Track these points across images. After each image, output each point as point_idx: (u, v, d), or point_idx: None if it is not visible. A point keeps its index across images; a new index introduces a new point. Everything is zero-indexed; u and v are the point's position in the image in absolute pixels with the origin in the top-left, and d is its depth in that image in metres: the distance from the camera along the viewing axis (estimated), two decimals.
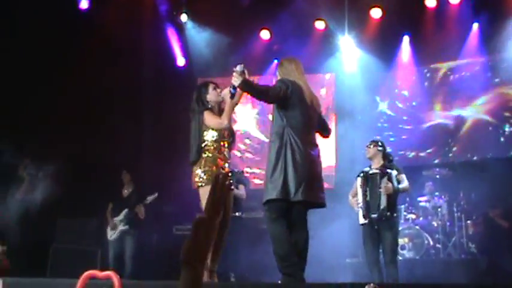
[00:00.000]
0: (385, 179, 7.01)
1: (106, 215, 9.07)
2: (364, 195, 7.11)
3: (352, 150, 11.08)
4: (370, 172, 7.19)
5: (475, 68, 11.23)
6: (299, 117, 5.03)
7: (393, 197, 7.05)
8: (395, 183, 7.04)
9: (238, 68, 5.03)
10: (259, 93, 5.12)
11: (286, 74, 5.27)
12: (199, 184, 5.49)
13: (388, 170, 7.10)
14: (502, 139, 10.89)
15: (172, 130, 10.09)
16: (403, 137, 11.48)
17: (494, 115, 10.94)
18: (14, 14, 9.62)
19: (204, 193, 5.46)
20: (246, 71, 5.04)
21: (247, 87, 5.03)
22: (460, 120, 11.28)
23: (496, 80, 10.98)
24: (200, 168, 5.52)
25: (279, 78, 5.30)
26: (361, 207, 7.13)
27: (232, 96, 5.30)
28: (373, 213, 6.97)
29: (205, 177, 5.47)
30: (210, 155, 5.55)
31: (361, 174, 7.26)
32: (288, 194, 4.87)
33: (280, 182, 4.87)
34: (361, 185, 7.20)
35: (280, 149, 4.96)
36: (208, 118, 5.56)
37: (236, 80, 5.00)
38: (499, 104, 10.94)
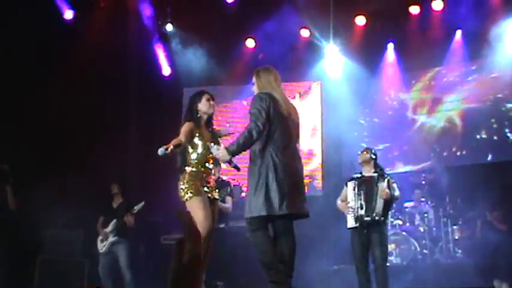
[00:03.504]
0: (383, 184, 7.03)
1: (97, 228, 9.02)
2: (359, 197, 7.11)
3: (338, 158, 11.13)
4: (367, 175, 7.20)
5: (458, 74, 11.32)
6: (278, 130, 4.99)
7: (389, 203, 7.08)
8: (392, 190, 7.07)
9: (214, 149, 5.03)
10: (247, 143, 4.94)
11: (263, 85, 5.19)
12: (184, 199, 5.50)
13: (386, 175, 7.14)
14: (488, 146, 10.97)
15: (158, 140, 10.06)
16: (387, 144, 11.55)
17: (478, 121, 11.02)
18: None
19: (193, 205, 5.47)
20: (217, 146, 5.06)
21: (236, 152, 4.95)
22: (444, 126, 11.37)
23: (480, 86, 11.06)
24: (183, 183, 5.53)
25: (255, 91, 5.25)
26: (351, 210, 7.12)
27: (237, 168, 5.15)
28: (367, 216, 6.98)
29: (189, 191, 5.48)
30: (194, 169, 5.57)
31: (355, 178, 7.26)
32: (271, 209, 4.86)
33: (263, 199, 4.86)
34: (354, 188, 7.18)
35: (262, 165, 4.93)
36: (182, 130, 5.57)
37: (222, 156, 4.96)
38: (484, 110, 11.02)
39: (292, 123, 5.18)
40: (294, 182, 5.01)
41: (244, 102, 11.96)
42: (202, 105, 5.71)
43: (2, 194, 8.11)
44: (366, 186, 7.12)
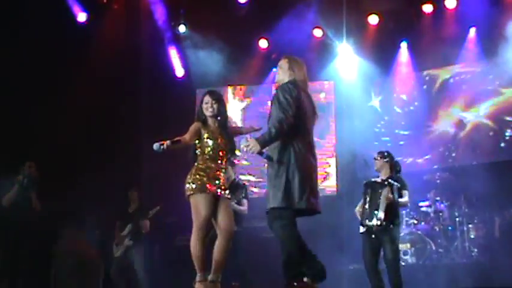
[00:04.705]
0: (386, 189, 7.00)
1: (115, 233, 9.09)
2: (364, 202, 7.12)
3: (352, 158, 11.08)
4: (373, 180, 7.22)
5: (473, 72, 11.25)
6: (301, 123, 4.98)
7: (392, 208, 7.03)
8: (396, 196, 7.03)
9: (243, 141, 4.96)
10: (278, 135, 4.88)
11: (287, 73, 5.19)
12: (189, 193, 5.50)
13: (391, 181, 7.09)
14: (502, 144, 10.89)
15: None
16: (401, 142, 11.49)
17: (495, 119, 10.94)
18: (12, 29, 9.65)
19: (194, 202, 5.48)
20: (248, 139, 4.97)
21: (267, 143, 4.91)
22: (460, 125, 11.29)
23: (495, 83, 10.99)
24: (190, 177, 5.53)
25: (282, 77, 5.22)
26: (359, 215, 7.15)
27: (269, 158, 5.05)
28: (370, 221, 6.97)
29: (194, 186, 5.48)
30: (203, 166, 5.56)
31: (366, 182, 7.28)
32: (292, 201, 4.85)
33: (283, 189, 4.84)
34: (363, 193, 7.21)
35: (283, 155, 4.92)
36: (189, 129, 5.59)
37: (253, 149, 4.87)
38: (498, 108, 10.94)
39: (312, 118, 5.17)
40: (311, 177, 5.01)
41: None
42: (203, 108, 5.74)
43: (28, 200, 8.21)
44: (371, 192, 7.11)
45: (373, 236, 6.98)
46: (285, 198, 4.84)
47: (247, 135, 5.17)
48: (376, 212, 6.94)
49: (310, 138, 5.14)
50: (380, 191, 7.02)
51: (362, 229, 7.09)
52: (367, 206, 7.07)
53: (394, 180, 7.11)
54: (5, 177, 8.24)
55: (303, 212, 5.02)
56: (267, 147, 4.96)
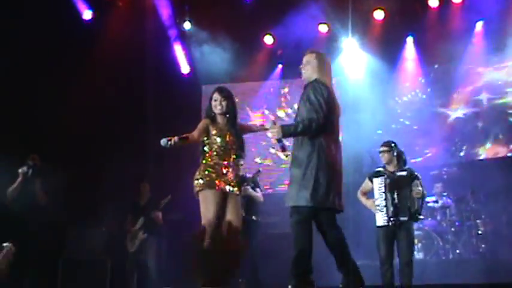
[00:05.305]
0: (416, 182, 6.93)
1: (127, 227, 9.10)
2: (391, 197, 6.98)
3: (358, 154, 11.05)
4: (398, 174, 7.05)
5: (480, 66, 11.18)
6: (329, 122, 4.98)
7: (422, 200, 7.01)
8: (422, 188, 6.98)
9: (269, 124, 5.05)
10: (304, 133, 4.93)
11: (316, 70, 5.15)
12: (198, 189, 5.50)
13: (416, 174, 7.02)
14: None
15: None
16: (407, 137, 11.39)
17: (501, 114, 10.89)
18: (16, 25, 9.66)
19: (203, 197, 5.47)
20: (275, 122, 5.05)
21: (290, 135, 4.99)
22: (466, 120, 11.25)
23: (503, 76, 10.93)
24: (199, 173, 5.53)
25: (308, 73, 5.19)
26: (380, 210, 7.03)
27: (284, 149, 5.16)
28: (403, 216, 6.88)
29: (202, 181, 5.48)
30: (211, 162, 5.55)
31: (381, 173, 7.14)
32: (319, 202, 4.84)
33: (311, 190, 4.85)
34: (384, 186, 7.05)
35: (312, 153, 4.91)
36: (198, 126, 5.59)
37: (275, 133, 4.96)
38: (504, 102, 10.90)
39: (337, 116, 5.16)
40: (338, 176, 5.01)
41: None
42: (211, 104, 5.72)
43: (32, 194, 8.14)
44: (398, 187, 6.98)
45: (397, 229, 6.91)
46: (312, 197, 4.85)
47: (273, 119, 5.20)
48: (409, 206, 6.89)
49: (337, 135, 5.14)
50: (409, 185, 6.94)
51: (384, 222, 6.95)
52: (396, 201, 6.94)
53: (408, 172, 7.03)
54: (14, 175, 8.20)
55: (327, 211, 5.01)
56: (301, 147, 4.99)
